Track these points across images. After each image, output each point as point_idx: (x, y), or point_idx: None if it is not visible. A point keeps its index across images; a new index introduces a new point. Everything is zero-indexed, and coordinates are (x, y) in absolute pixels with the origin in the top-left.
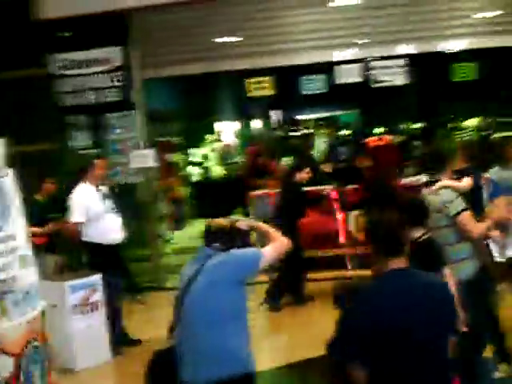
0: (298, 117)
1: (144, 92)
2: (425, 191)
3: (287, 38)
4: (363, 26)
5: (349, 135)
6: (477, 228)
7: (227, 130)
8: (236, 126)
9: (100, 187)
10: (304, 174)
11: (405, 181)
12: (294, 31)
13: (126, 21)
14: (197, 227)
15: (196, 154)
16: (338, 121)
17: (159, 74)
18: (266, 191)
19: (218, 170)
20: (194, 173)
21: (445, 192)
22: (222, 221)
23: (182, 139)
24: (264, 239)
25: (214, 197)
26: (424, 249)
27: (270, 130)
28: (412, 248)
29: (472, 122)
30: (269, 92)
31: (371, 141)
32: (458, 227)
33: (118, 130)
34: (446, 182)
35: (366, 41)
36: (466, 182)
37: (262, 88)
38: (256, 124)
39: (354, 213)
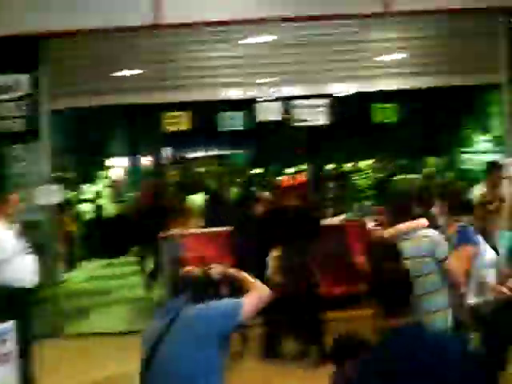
0: (190, 155)
1: (51, 123)
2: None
3: (201, 72)
4: (279, 65)
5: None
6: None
7: (118, 166)
8: (126, 162)
9: (13, 225)
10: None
11: (326, 221)
12: (207, 66)
13: (36, 46)
14: (91, 268)
15: (88, 190)
16: (229, 159)
17: (68, 104)
18: (175, 232)
19: (110, 208)
20: (86, 210)
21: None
22: (193, 269)
23: (74, 175)
24: (240, 288)
25: (107, 236)
26: None
27: (161, 167)
28: None
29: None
30: (185, 127)
31: (284, 180)
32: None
33: (22, 163)
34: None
35: (283, 79)
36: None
37: (177, 123)
38: (146, 161)
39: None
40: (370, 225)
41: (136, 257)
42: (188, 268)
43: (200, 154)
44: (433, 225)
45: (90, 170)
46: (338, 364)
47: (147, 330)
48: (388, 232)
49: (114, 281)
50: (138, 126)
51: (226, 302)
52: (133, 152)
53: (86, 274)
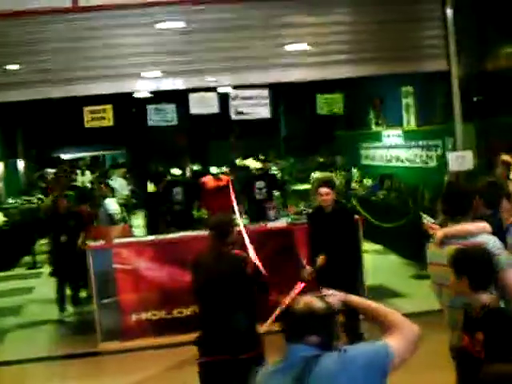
0: (63, 156)
1: None
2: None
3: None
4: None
5: (181, 175)
6: None
7: None
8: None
9: None
10: None
11: (268, 224)
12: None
13: None
14: None
15: None
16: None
17: None
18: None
19: None
20: None
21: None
22: (310, 299)
23: None
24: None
25: None
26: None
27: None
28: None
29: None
30: (108, 123)
31: (208, 181)
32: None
33: None
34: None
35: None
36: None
37: (100, 118)
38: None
39: None
40: (427, 221)
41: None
42: (303, 298)
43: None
44: (497, 229)
45: None
46: None
47: None
48: (442, 232)
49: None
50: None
51: (370, 347)
52: (5, 155)
53: None
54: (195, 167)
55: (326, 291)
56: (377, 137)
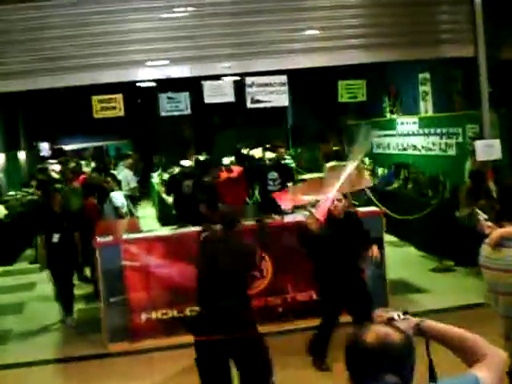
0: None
1: None
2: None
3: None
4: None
5: (190, 166)
6: None
7: None
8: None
9: None
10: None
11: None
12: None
13: None
14: None
15: None
16: (107, 151)
17: None
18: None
19: None
20: None
21: None
22: (381, 328)
23: None
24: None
25: None
26: None
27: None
28: None
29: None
30: (118, 113)
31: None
32: None
33: None
34: None
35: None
36: None
37: (110, 108)
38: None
39: None
40: (483, 218)
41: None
42: (375, 330)
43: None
44: None
45: None
46: None
47: None
48: (499, 232)
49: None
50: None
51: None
52: (6, 147)
53: None
54: (201, 157)
55: (395, 314)
56: (391, 125)
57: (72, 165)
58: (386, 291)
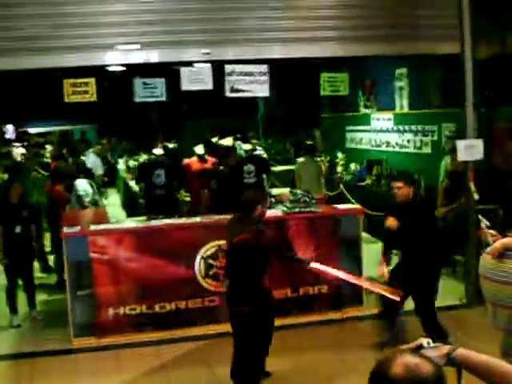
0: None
1: None
2: None
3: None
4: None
5: (163, 155)
6: None
7: None
8: None
9: None
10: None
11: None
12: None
13: None
14: None
15: None
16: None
17: None
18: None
19: None
20: None
21: None
22: (410, 359)
23: None
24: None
25: None
26: None
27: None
28: None
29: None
30: (91, 98)
31: (193, 163)
32: None
33: None
34: None
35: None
36: None
37: (82, 92)
38: None
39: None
40: (485, 225)
41: None
42: (403, 361)
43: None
44: None
45: None
46: None
47: None
48: (502, 243)
49: None
50: None
51: None
52: None
53: None
54: (171, 145)
55: (425, 341)
56: (365, 120)
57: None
58: (362, 290)
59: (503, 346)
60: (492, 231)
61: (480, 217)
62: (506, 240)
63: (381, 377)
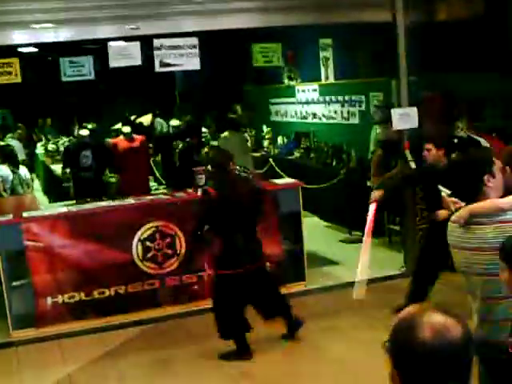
0: None
1: None
2: None
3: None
4: None
5: (87, 136)
6: None
7: None
8: None
9: None
10: None
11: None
12: None
13: None
14: None
15: None
16: None
17: None
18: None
19: None
20: None
21: None
22: (439, 319)
23: None
24: None
25: None
26: None
27: None
28: None
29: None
30: (15, 79)
31: (120, 142)
32: None
33: None
34: None
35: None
36: None
37: (5, 73)
38: None
39: None
40: (446, 194)
41: None
42: (432, 321)
43: None
44: None
45: None
46: None
47: None
48: (468, 209)
49: None
50: None
51: None
52: None
53: None
54: (89, 126)
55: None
56: (289, 92)
57: None
58: (305, 265)
59: (480, 313)
60: (453, 198)
61: (440, 187)
62: (471, 207)
63: (406, 342)
